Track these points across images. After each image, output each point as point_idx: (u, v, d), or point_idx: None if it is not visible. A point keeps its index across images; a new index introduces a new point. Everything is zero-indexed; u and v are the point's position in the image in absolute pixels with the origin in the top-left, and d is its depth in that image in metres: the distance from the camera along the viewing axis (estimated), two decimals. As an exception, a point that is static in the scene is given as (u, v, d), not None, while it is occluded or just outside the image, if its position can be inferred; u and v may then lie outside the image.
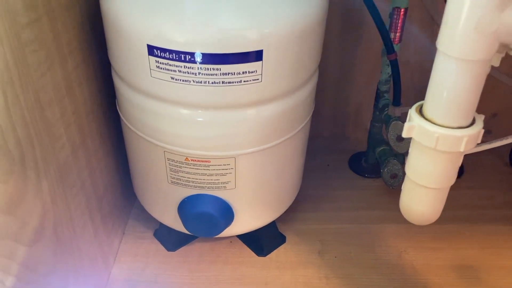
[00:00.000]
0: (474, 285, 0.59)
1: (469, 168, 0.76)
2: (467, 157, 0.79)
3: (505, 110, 0.81)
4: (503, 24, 0.32)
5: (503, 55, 0.39)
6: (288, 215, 0.65)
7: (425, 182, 0.40)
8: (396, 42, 0.62)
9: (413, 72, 0.75)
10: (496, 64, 0.40)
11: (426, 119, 0.37)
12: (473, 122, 0.37)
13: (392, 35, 0.61)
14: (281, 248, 0.63)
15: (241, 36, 0.40)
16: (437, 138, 0.36)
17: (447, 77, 0.35)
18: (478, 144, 0.50)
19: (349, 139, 0.84)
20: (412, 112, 0.38)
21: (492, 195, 0.72)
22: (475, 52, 0.33)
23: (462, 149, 0.36)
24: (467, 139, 0.36)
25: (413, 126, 0.37)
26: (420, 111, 0.38)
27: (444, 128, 0.36)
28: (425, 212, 0.42)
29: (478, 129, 0.37)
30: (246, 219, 0.56)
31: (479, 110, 0.85)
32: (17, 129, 0.36)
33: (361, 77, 0.78)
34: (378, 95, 0.68)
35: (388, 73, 0.65)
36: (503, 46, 0.34)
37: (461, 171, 0.76)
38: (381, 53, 0.65)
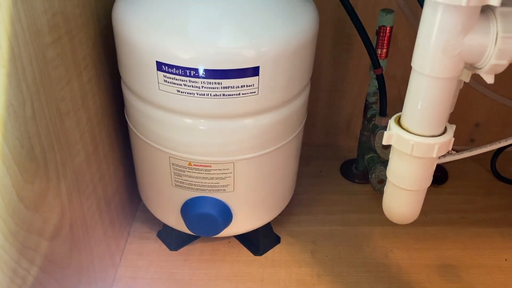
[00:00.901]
0: (454, 282, 0.63)
1: (453, 174, 0.81)
2: (450, 164, 0.84)
3: (487, 120, 0.86)
4: (466, 46, 0.37)
5: (472, 72, 0.45)
6: (283, 217, 0.69)
7: (403, 184, 0.44)
8: (382, 58, 0.67)
9: (399, 85, 0.80)
10: (467, 80, 0.45)
11: (403, 128, 0.42)
12: (444, 131, 0.42)
13: (378, 51, 0.66)
14: (276, 248, 0.68)
15: (240, 54, 0.45)
16: (412, 145, 0.41)
17: (420, 92, 0.40)
18: (460, 152, 0.55)
19: (340, 147, 0.89)
20: (391, 122, 0.43)
21: (473, 200, 0.77)
22: (443, 71, 0.38)
23: (434, 155, 0.41)
24: (439, 146, 0.41)
25: (392, 134, 0.42)
26: (399, 122, 0.43)
27: (419, 137, 0.41)
28: (405, 212, 0.47)
29: (449, 137, 0.42)
30: (244, 220, 0.60)
31: (463, 120, 0.91)
32: (42, 137, 0.41)
33: (352, 89, 0.83)
34: (367, 106, 0.73)
35: (375, 86, 0.70)
36: (469, 65, 0.39)
37: (445, 177, 0.81)
38: (369, 67, 0.70)
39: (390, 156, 0.45)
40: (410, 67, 0.38)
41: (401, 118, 0.43)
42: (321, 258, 0.66)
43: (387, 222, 0.70)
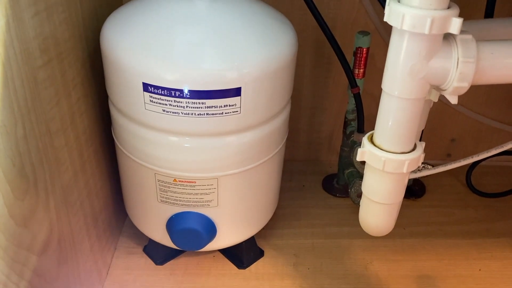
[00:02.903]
0: (431, 292, 0.66)
1: (430, 188, 0.84)
2: (427, 178, 0.87)
3: (462, 135, 0.90)
4: (431, 70, 0.40)
5: (440, 93, 0.48)
6: (266, 231, 0.71)
7: (377, 198, 0.47)
8: (359, 77, 0.70)
9: (377, 102, 0.82)
10: (435, 99, 0.48)
11: (375, 145, 0.45)
12: (414, 148, 0.45)
13: (356, 71, 0.70)
14: (260, 261, 0.69)
15: (223, 76, 0.48)
16: (384, 161, 0.44)
17: (390, 112, 0.43)
18: (435, 166, 0.58)
19: (322, 162, 0.91)
20: (365, 140, 0.46)
21: (450, 212, 0.80)
22: (410, 93, 0.41)
23: (405, 171, 0.44)
24: (409, 162, 0.44)
25: (365, 151, 0.45)
26: (371, 139, 0.46)
27: (390, 153, 0.44)
28: (379, 225, 0.50)
29: (418, 154, 0.44)
30: (228, 234, 0.62)
31: (440, 135, 0.94)
32: (32, 155, 0.43)
33: (332, 107, 0.86)
34: (346, 123, 0.76)
35: (354, 104, 0.73)
36: (435, 87, 0.42)
37: (422, 191, 0.84)
38: (347, 86, 0.73)
39: (364, 172, 0.48)
40: None
41: (373, 135, 0.46)
42: (303, 270, 0.68)
43: (367, 235, 0.73)
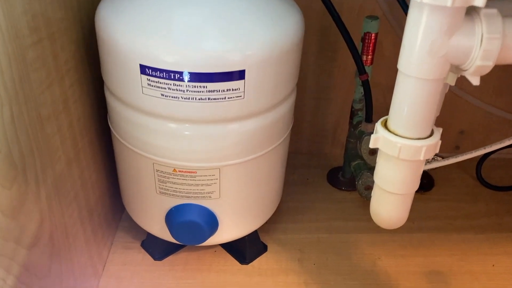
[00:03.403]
0: (442, 289, 0.63)
1: (439, 181, 0.81)
2: (436, 171, 0.84)
3: (471, 127, 0.87)
4: (452, 48, 0.37)
5: (458, 75, 0.45)
6: (270, 225, 0.68)
7: (391, 188, 0.44)
8: (368, 64, 0.67)
9: (384, 92, 0.80)
10: (452, 83, 0.45)
11: (390, 131, 0.42)
12: (431, 134, 0.42)
13: (364, 58, 0.67)
14: (263, 257, 0.66)
15: (226, 57, 0.45)
16: (399, 148, 0.41)
17: (406, 94, 0.39)
18: (445, 158, 0.55)
19: (326, 155, 0.88)
20: (378, 125, 0.43)
21: (460, 206, 0.77)
22: (429, 72, 0.38)
23: (421, 158, 0.41)
24: (426, 148, 0.41)
25: (379, 137, 0.42)
26: (385, 125, 0.43)
27: (406, 139, 0.41)
28: (392, 217, 0.46)
29: (436, 140, 0.41)
30: (230, 228, 0.59)
31: (448, 127, 0.91)
32: (21, 142, 0.40)
33: (337, 97, 0.83)
34: (353, 113, 0.73)
35: (361, 92, 0.70)
36: (455, 67, 0.39)
37: (431, 184, 0.81)
38: (354, 74, 0.71)
39: (377, 160, 0.45)
40: (395, 74, 0.38)
41: (387, 121, 0.43)
42: (308, 266, 0.65)
43: (374, 230, 0.70)
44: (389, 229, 0.48)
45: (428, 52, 0.37)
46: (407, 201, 0.46)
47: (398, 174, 0.43)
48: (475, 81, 0.39)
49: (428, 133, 0.42)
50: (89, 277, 0.58)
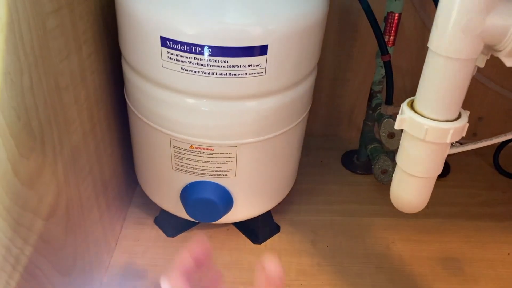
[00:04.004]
0: (457, 275, 0.62)
1: (455, 168, 0.80)
2: (453, 157, 0.83)
3: (490, 114, 0.85)
4: (488, 26, 0.35)
5: (488, 57, 0.43)
6: (283, 206, 0.68)
7: (414, 171, 0.43)
8: (390, 45, 0.65)
9: (404, 76, 0.79)
10: (481, 65, 0.43)
11: (416, 112, 0.40)
12: (459, 117, 0.41)
13: (386, 38, 0.65)
14: (276, 237, 0.66)
15: (248, 31, 0.44)
16: (426, 129, 0.39)
17: (436, 74, 0.38)
18: (464, 144, 0.54)
19: (341, 138, 0.87)
20: (404, 106, 0.41)
21: (476, 193, 0.76)
22: (461, 52, 0.36)
23: (448, 141, 0.40)
24: (453, 131, 0.39)
25: (405, 118, 0.41)
26: (412, 106, 0.41)
27: (433, 121, 0.39)
28: (413, 200, 0.46)
29: (463, 122, 0.40)
30: (244, 207, 0.59)
31: (466, 113, 0.88)
32: (39, 110, 0.39)
33: (355, 78, 0.81)
34: (372, 95, 0.71)
35: (382, 74, 0.68)
36: (488, 47, 0.38)
37: (447, 171, 0.80)
38: (375, 55, 0.69)
39: (401, 142, 0.44)
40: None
41: (414, 102, 0.41)
42: (322, 248, 0.65)
43: (388, 213, 0.70)
44: (408, 213, 0.48)
45: (463, 30, 0.35)
46: (429, 185, 0.45)
47: (422, 157, 0.42)
48: (509, 62, 0.37)
49: (456, 115, 0.41)
50: (102, 251, 0.58)
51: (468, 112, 0.42)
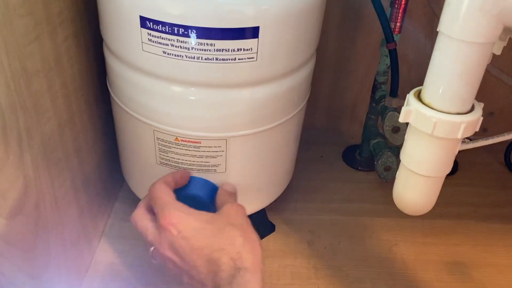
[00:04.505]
0: (465, 281, 0.58)
1: (463, 165, 0.76)
2: (461, 154, 0.78)
3: (501, 109, 0.80)
4: (508, 5, 0.31)
5: (505, 43, 0.39)
6: (279, 204, 0.64)
7: (420, 170, 0.39)
8: (396, 33, 0.61)
9: (410, 66, 0.74)
10: (498, 52, 0.39)
11: (424, 104, 0.36)
12: (472, 109, 0.36)
13: (392, 25, 0.60)
14: (271, 237, 0.62)
15: (238, 11, 0.39)
16: (434, 123, 0.35)
17: (447, 60, 0.34)
18: (473, 141, 0.49)
19: (343, 132, 0.83)
20: (410, 97, 0.37)
21: (485, 193, 0.71)
22: (478, 34, 0.32)
23: (459, 136, 0.35)
24: (465, 125, 0.35)
25: (411, 110, 0.36)
26: (419, 96, 0.37)
27: (442, 114, 0.35)
28: (418, 202, 0.41)
29: (477, 116, 0.36)
30: (236, 205, 0.54)
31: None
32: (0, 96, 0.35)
33: (359, 69, 0.76)
34: (375, 87, 0.67)
35: (387, 64, 0.64)
36: (507, 29, 0.33)
37: (455, 168, 0.75)
38: (380, 43, 0.64)
39: (406, 137, 0.39)
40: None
41: (421, 92, 0.37)
42: (319, 249, 0.61)
43: (392, 213, 0.65)
44: (413, 215, 0.43)
45: (480, 10, 0.31)
46: (437, 186, 0.41)
47: (430, 154, 0.37)
48: (531, 47, 0.33)
49: (469, 107, 0.36)
50: (82, 250, 0.54)
51: (482, 104, 0.38)
